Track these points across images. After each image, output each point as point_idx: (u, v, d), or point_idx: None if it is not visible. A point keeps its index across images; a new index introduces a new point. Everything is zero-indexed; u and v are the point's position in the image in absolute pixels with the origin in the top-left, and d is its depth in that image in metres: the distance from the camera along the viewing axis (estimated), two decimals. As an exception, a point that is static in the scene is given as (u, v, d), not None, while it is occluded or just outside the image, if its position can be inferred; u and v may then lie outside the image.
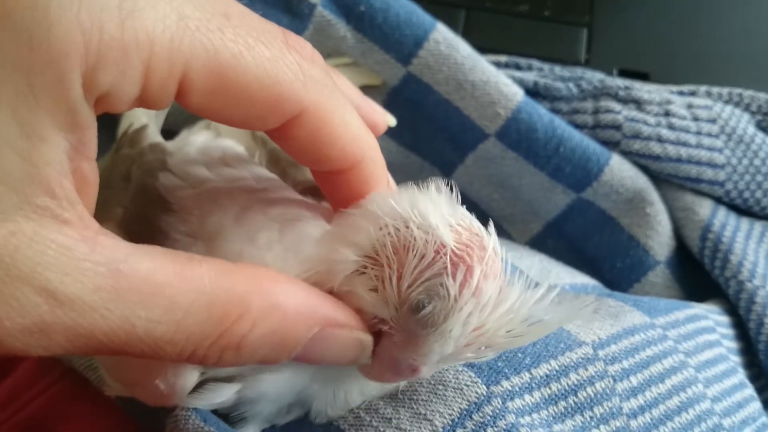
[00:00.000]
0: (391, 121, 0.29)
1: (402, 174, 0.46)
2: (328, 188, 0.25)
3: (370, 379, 0.24)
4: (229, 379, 0.24)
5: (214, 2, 0.20)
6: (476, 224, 0.23)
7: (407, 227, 0.22)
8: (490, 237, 0.22)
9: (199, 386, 0.24)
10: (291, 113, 0.21)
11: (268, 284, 0.20)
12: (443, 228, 0.22)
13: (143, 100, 0.19)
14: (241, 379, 0.24)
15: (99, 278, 0.18)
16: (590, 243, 0.43)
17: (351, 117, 0.23)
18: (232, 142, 0.33)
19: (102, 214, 0.30)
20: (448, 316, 0.21)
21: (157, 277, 0.18)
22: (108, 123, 0.34)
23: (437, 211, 0.22)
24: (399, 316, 0.22)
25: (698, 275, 0.42)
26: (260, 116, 0.21)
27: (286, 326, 0.20)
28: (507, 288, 0.22)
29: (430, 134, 0.44)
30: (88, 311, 0.17)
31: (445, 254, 0.21)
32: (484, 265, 0.21)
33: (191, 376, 0.24)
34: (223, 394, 0.24)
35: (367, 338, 0.22)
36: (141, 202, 0.27)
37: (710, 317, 0.37)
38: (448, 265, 0.21)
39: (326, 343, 0.21)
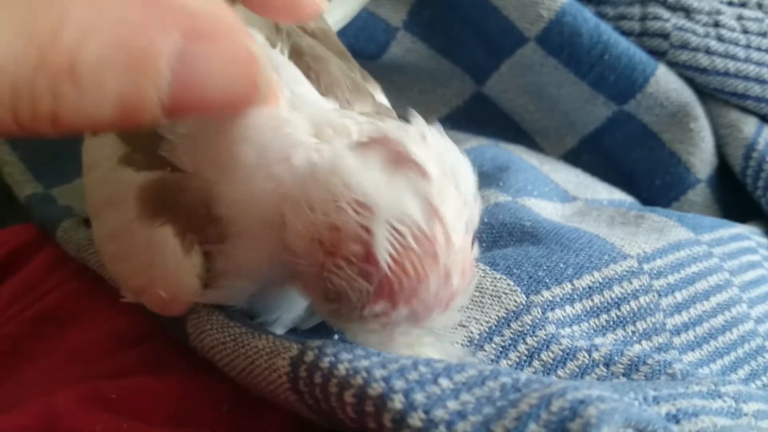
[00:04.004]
0: None
1: (431, 81, 0.43)
2: None
3: None
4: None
5: None
6: (443, 224, 0.18)
7: (348, 211, 0.18)
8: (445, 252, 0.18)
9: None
10: None
11: None
12: (381, 241, 0.18)
13: None
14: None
15: None
16: (629, 159, 0.41)
17: None
18: (252, 30, 0.30)
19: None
20: (351, 322, 0.20)
21: None
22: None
23: (392, 201, 0.18)
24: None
25: (739, 196, 0.40)
26: None
27: (129, 32, 0.14)
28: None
29: (465, 37, 0.41)
30: None
31: (377, 268, 0.18)
32: (413, 305, 0.18)
33: (192, 282, 0.22)
34: (236, 289, 0.23)
35: (258, 51, 0.16)
36: None
37: (752, 238, 0.36)
38: (371, 289, 0.18)
39: (201, 60, 0.15)
